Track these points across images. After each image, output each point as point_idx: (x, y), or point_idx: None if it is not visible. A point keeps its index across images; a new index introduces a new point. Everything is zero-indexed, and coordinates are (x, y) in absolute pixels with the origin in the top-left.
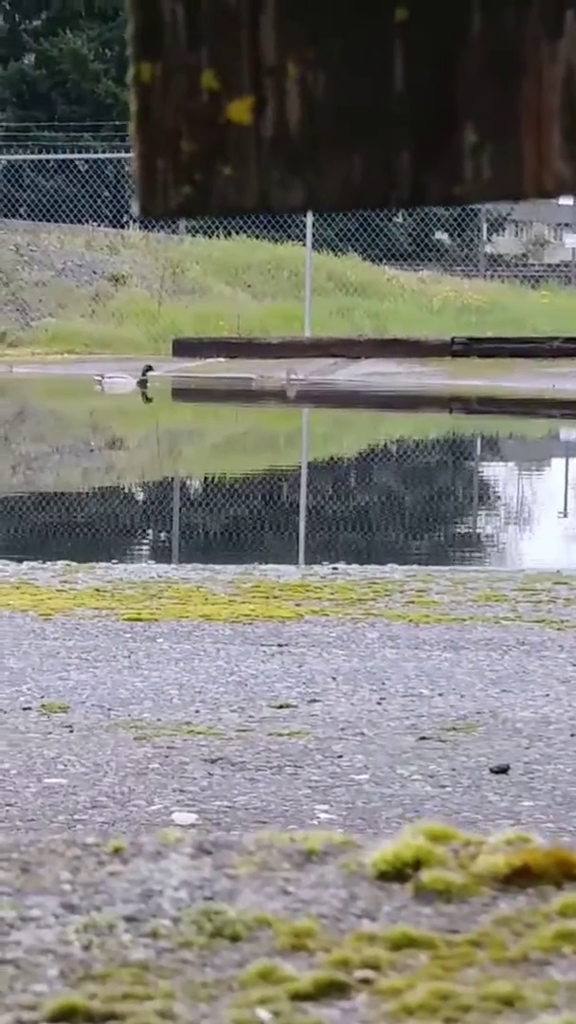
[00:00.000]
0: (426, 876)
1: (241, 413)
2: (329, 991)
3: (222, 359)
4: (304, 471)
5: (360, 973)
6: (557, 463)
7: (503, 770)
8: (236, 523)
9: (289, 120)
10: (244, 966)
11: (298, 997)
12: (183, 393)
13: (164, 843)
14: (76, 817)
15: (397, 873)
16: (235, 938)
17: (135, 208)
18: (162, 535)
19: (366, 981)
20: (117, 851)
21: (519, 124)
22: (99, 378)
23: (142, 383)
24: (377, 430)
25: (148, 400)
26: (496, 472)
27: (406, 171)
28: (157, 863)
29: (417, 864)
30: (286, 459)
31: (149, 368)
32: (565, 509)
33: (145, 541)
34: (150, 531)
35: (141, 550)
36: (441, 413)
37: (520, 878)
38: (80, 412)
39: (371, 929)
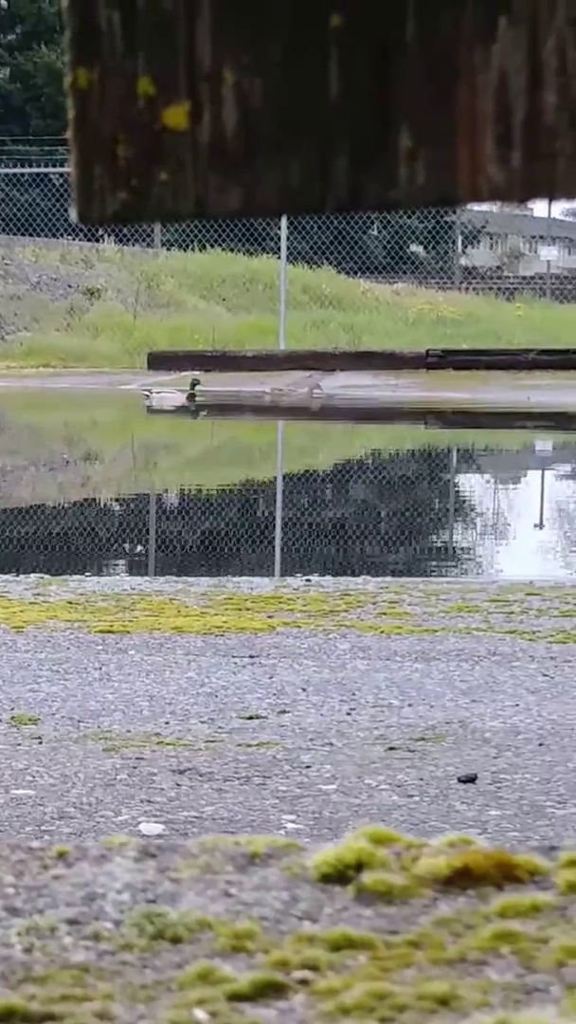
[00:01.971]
0: (367, 878)
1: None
2: (267, 991)
3: (196, 372)
4: (280, 484)
5: (298, 974)
6: (532, 475)
7: (471, 780)
8: (213, 535)
9: (225, 125)
10: (184, 967)
11: (236, 998)
12: (219, 408)
13: (108, 847)
14: (43, 828)
15: (339, 875)
16: (176, 940)
17: (72, 214)
18: (139, 547)
19: (304, 982)
20: (61, 855)
21: (453, 129)
22: (147, 393)
23: (191, 397)
24: (397, 440)
25: (196, 415)
26: (471, 484)
27: (342, 175)
28: (101, 867)
29: (359, 866)
30: (266, 472)
31: (196, 382)
32: (540, 520)
33: (138, 552)
34: (130, 543)
35: (142, 560)
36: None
37: (461, 879)
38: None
39: (311, 931)
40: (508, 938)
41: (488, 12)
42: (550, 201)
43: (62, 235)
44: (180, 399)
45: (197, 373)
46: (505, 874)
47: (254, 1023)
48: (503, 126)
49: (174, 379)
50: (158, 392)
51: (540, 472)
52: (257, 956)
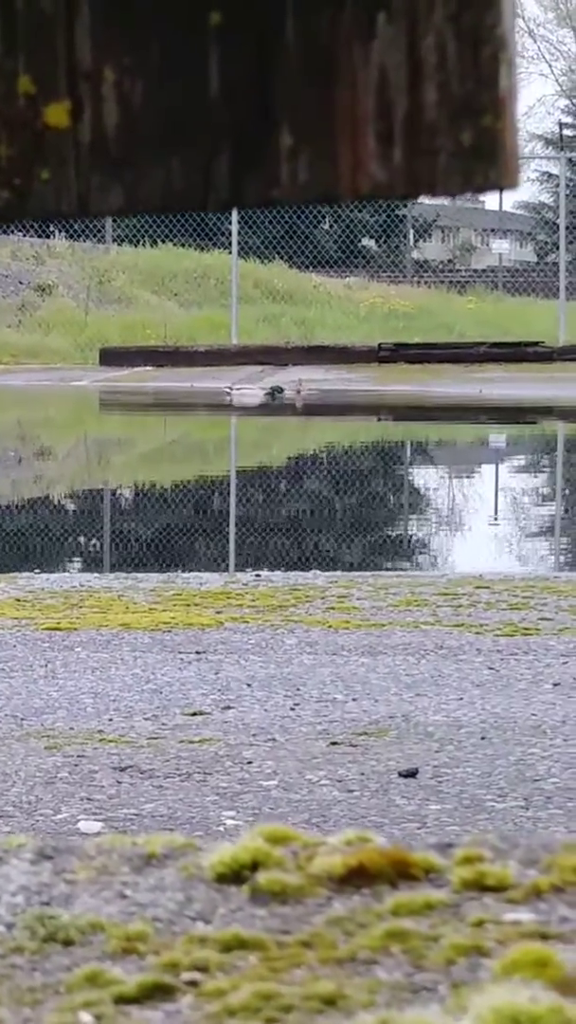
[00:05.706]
0: (262, 878)
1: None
2: (154, 993)
3: (149, 368)
4: (233, 479)
5: (187, 975)
6: (483, 468)
7: (412, 774)
8: (166, 530)
9: (107, 124)
10: (72, 970)
11: (123, 1000)
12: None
13: (5, 849)
14: None
15: (235, 875)
16: (67, 942)
17: None
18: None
19: (193, 983)
20: None
21: (334, 127)
22: (228, 390)
23: (271, 395)
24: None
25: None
26: (422, 478)
27: (224, 174)
28: None
29: (255, 866)
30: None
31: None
32: (494, 514)
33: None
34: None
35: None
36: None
37: (356, 878)
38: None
39: (204, 931)
40: (399, 937)
41: (367, 9)
42: (431, 196)
43: (12, 231)
44: (260, 396)
45: (150, 368)
46: (400, 872)
47: None
48: (384, 123)
49: (128, 374)
50: (239, 390)
51: (494, 466)
52: (148, 958)
